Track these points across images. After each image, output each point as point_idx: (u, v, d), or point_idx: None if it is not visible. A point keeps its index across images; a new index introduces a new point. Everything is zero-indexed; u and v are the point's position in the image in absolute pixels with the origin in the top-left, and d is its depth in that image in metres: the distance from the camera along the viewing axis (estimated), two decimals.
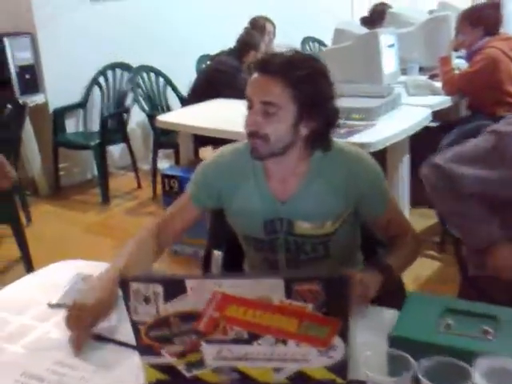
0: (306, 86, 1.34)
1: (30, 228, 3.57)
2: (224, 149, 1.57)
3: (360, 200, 1.48)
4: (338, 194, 1.46)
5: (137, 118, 4.55)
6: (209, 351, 1.01)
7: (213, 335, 0.99)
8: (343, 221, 1.50)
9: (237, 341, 0.99)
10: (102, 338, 1.23)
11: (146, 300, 0.97)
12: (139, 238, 1.49)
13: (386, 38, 3.68)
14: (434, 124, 3.28)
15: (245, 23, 4.35)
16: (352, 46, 3.62)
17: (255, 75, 1.37)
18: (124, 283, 0.97)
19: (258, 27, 4.28)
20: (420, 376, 0.89)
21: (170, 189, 3.12)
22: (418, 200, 3.23)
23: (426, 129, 3.07)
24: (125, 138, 4.30)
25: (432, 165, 1.66)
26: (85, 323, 1.22)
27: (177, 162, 4.09)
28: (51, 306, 1.39)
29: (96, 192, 4.20)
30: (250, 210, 1.50)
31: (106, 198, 4.08)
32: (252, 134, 1.39)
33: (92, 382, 1.11)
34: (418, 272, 2.72)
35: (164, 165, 4.54)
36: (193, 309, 0.97)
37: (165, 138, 4.06)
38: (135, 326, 1.00)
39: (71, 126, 4.38)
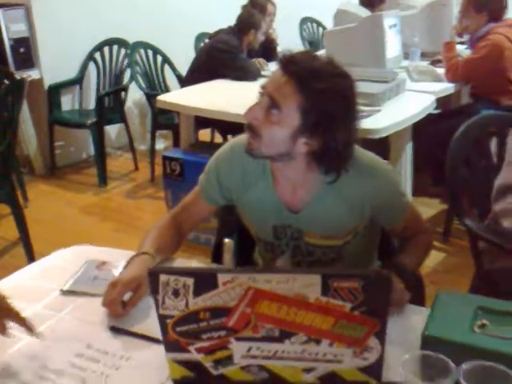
0: (318, 101, 1.22)
1: (27, 208, 3.51)
2: (238, 141, 1.47)
3: (376, 213, 1.42)
4: (353, 209, 1.39)
5: (133, 96, 4.46)
6: (238, 349, 0.97)
7: (243, 332, 0.95)
8: (356, 233, 1.45)
9: (267, 338, 0.96)
10: (120, 330, 1.20)
11: (175, 293, 0.93)
12: (161, 225, 1.46)
13: (390, 20, 3.63)
14: (434, 111, 3.26)
15: (244, 1, 4.26)
16: (356, 28, 3.56)
17: (278, 70, 1.27)
18: (153, 275, 0.93)
19: (259, 6, 4.19)
20: (463, 382, 0.86)
21: (172, 171, 3.07)
22: (419, 189, 3.21)
23: (427, 116, 3.03)
24: (123, 118, 4.22)
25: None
26: (119, 297, 1.23)
27: (175, 143, 4.03)
28: (64, 292, 1.35)
29: (92, 172, 4.13)
30: (259, 212, 1.46)
31: (103, 180, 4.01)
32: (248, 127, 1.31)
33: (113, 377, 1.07)
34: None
35: (161, 145, 4.49)
36: (224, 304, 0.93)
37: (162, 118, 3.99)
38: (162, 320, 0.96)
39: (66, 103, 4.29)
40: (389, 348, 0.96)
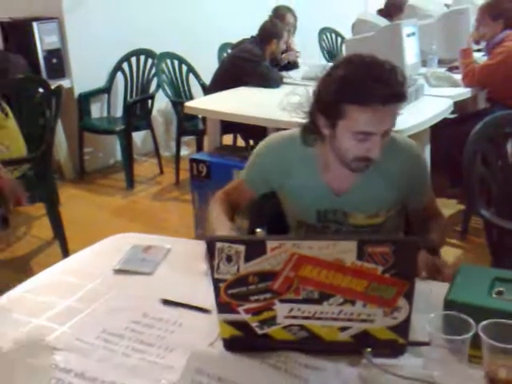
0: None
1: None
2: (273, 137, 1.63)
3: (410, 191, 1.56)
4: (393, 185, 1.53)
5: (158, 105, 4.63)
6: (281, 310, 1.09)
7: (286, 295, 1.08)
8: (395, 210, 1.58)
9: (308, 300, 1.08)
10: (171, 303, 1.33)
11: (229, 259, 1.05)
12: (219, 203, 1.60)
13: (408, 29, 3.76)
14: (451, 116, 3.37)
15: (266, 12, 4.42)
16: (375, 37, 3.68)
17: (377, 107, 1.34)
18: (210, 243, 1.06)
19: (280, 16, 4.35)
20: (482, 335, 0.98)
21: (199, 173, 3.20)
22: (436, 190, 3.32)
23: (445, 120, 3.15)
24: (149, 125, 4.39)
25: None
26: None
27: (199, 147, 4.18)
28: (116, 271, 1.49)
29: (119, 177, 4.30)
30: (302, 198, 1.58)
31: (130, 183, 4.17)
32: (369, 160, 1.42)
33: (168, 338, 1.20)
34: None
35: (184, 152, 4.64)
36: (271, 268, 1.05)
37: (188, 124, 4.15)
38: (216, 284, 1.08)
39: (95, 111, 4.48)
40: (413, 314, 1.08)
